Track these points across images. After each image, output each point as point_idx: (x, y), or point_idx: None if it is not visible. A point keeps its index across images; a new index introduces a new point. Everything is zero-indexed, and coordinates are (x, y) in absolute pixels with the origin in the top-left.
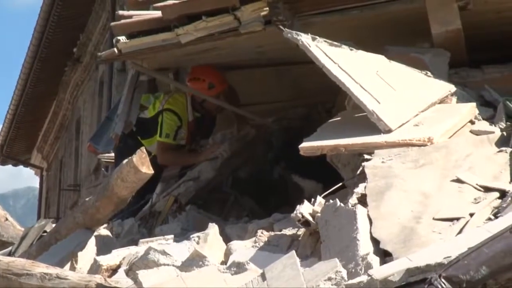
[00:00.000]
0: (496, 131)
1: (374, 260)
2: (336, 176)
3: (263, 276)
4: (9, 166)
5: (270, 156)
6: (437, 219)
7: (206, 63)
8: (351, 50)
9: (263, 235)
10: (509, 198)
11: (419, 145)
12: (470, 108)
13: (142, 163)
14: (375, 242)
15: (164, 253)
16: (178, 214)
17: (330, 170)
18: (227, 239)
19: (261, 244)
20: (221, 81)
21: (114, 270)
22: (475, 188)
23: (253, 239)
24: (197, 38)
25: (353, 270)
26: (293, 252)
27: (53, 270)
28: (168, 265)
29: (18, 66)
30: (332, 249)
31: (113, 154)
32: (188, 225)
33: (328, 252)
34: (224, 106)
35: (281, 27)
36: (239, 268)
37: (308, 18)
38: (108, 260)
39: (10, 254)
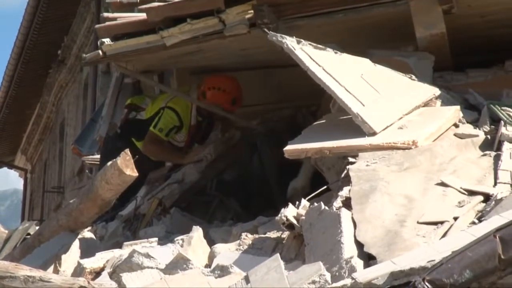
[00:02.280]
0: (480, 135)
1: (358, 263)
2: (321, 179)
3: (247, 279)
4: None
5: (255, 159)
6: (421, 222)
7: (191, 66)
8: (335, 53)
9: (247, 238)
10: (493, 202)
11: (403, 148)
12: (455, 112)
13: (126, 165)
14: (359, 245)
15: (148, 256)
16: (162, 217)
17: (316, 173)
18: (211, 242)
19: (245, 247)
20: (241, 97)
21: (97, 273)
22: (459, 191)
23: (237, 242)
24: (182, 40)
25: (337, 274)
26: (277, 255)
27: (37, 273)
28: (152, 268)
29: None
30: (316, 252)
31: (97, 156)
32: (173, 228)
33: (312, 255)
34: (209, 108)
35: (266, 30)
36: (223, 271)
37: (293, 21)
38: (91, 263)
39: None
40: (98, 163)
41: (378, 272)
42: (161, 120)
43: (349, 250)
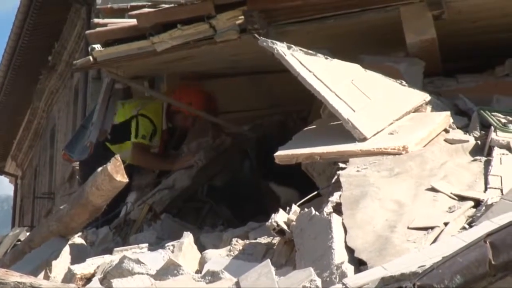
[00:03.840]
0: (471, 140)
1: (349, 269)
2: (312, 184)
3: (237, 285)
4: None
5: (246, 165)
6: (412, 228)
7: (181, 71)
8: (326, 58)
9: (238, 244)
10: (484, 207)
11: (394, 153)
12: (445, 117)
13: (116, 171)
14: (350, 250)
15: (138, 261)
16: (153, 223)
17: (307, 179)
18: (202, 248)
19: (236, 252)
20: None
21: (88, 279)
22: (450, 197)
23: (228, 247)
24: (172, 46)
25: (328, 279)
26: (268, 260)
27: (27, 279)
28: (142, 273)
29: None
30: (307, 258)
31: None
32: (163, 234)
33: (303, 260)
34: (200, 114)
35: (257, 35)
36: (213, 276)
37: (283, 26)
38: (82, 268)
39: None
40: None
41: (369, 277)
42: (141, 128)
43: (339, 255)
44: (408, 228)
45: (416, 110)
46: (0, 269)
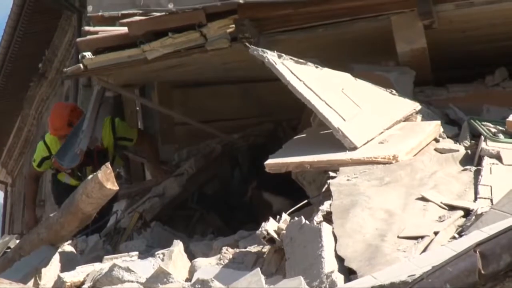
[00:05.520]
0: (461, 150)
1: (339, 278)
2: (303, 193)
3: None
4: None
5: (236, 173)
6: (402, 237)
7: (172, 80)
8: (316, 67)
9: (228, 252)
10: (474, 217)
11: (384, 162)
12: (435, 126)
13: (107, 179)
14: (340, 259)
15: (128, 270)
16: (143, 231)
17: (298, 187)
18: (192, 256)
19: (226, 261)
20: (54, 128)
21: (78, 287)
22: (440, 206)
23: (218, 256)
24: (163, 54)
25: None
26: (258, 269)
27: (17, 287)
28: (132, 281)
29: None
30: (297, 267)
31: None
32: (153, 242)
33: (293, 269)
34: (190, 122)
35: (247, 44)
36: (203, 285)
37: (274, 35)
38: (72, 276)
39: None
40: None
41: (359, 286)
42: (36, 152)
43: (329, 264)
44: (398, 237)
45: (407, 119)
46: None
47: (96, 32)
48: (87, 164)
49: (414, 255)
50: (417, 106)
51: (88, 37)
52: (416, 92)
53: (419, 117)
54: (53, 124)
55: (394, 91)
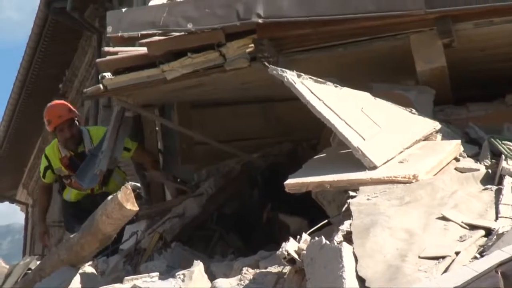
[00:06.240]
0: (481, 169)
1: None
2: (322, 213)
3: None
4: None
5: (255, 193)
6: (423, 257)
7: (191, 100)
8: (336, 87)
9: (249, 273)
10: (495, 236)
11: (404, 182)
12: (455, 146)
13: (127, 199)
14: (361, 280)
15: None
16: (163, 251)
17: (316, 207)
18: (212, 276)
19: (247, 282)
20: (56, 116)
21: None
22: (461, 226)
23: (239, 277)
24: (182, 74)
25: None
26: None
27: None
28: None
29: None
30: (318, 287)
31: None
32: (174, 262)
33: None
34: (210, 142)
35: (266, 63)
36: None
37: (293, 55)
38: None
39: None
40: None
41: None
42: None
43: (350, 285)
44: (419, 257)
45: (426, 138)
46: None
47: (116, 53)
48: None
49: (435, 275)
50: (437, 125)
51: (108, 57)
52: (436, 111)
53: (439, 136)
54: (56, 112)
55: (413, 110)
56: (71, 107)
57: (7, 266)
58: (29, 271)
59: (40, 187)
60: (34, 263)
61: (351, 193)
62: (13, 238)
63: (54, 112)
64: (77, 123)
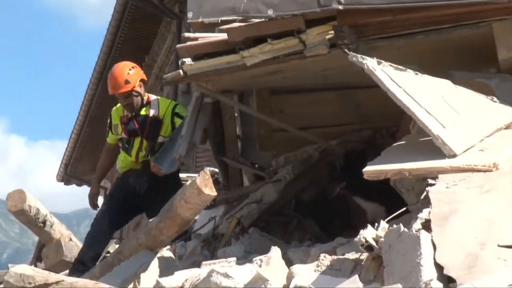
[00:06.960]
0: None
1: (438, 286)
2: (399, 200)
3: None
4: (72, 187)
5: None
6: (502, 246)
7: (270, 86)
8: (416, 74)
9: (326, 259)
10: None
11: (484, 170)
12: None
13: (205, 184)
14: (439, 268)
15: (226, 275)
16: (241, 237)
17: (393, 194)
18: (289, 262)
19: (324, 268)
20: (111, 86)
21: None
22: None
23: (316, 263)
24: (262, 60)
25: None
26: (356, 276)
27: None
28: (230, 287)
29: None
30: (395, 274)
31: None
32: (251, 248)
33: (391, 277)
34: (288, 129)
35: (346, 50)
36: None
37: (373, 42)
38: (170, 282)
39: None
40: None
41: None
42: None
43: (428, 272)
44: (499, 246)
45: (508, 127)
46: (89, 281)
47: (195, 38)
48: (136, 134)
49: None
50: None
51: (188, 43)
52: None
53: None
54: (111, 83)
55: (495, 98)
56: (130, 76)
57: None
58: (108, 254)
59: (105, 148)
60: (113, 247)
61: (430, 181)
62: (91, 221)
63: (110, 82)
64: (138, 91)
